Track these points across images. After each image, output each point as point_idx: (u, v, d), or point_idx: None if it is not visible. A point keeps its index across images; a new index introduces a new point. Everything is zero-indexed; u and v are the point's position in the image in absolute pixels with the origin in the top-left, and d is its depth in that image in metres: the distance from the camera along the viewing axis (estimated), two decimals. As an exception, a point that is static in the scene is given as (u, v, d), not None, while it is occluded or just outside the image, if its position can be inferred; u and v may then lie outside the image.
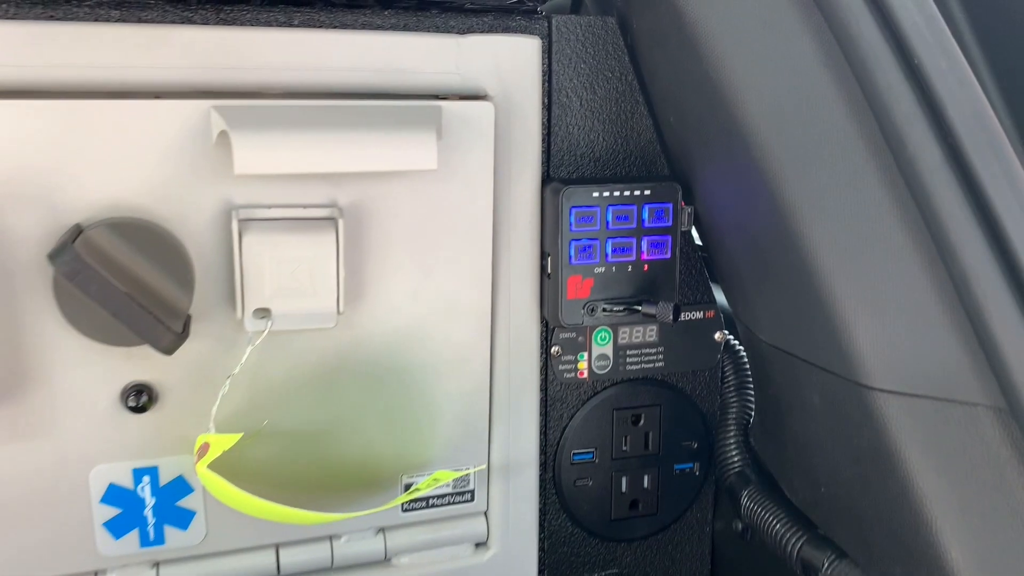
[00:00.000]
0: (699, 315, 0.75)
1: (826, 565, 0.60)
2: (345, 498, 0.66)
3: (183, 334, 0.56)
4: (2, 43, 0.54)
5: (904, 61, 0.48)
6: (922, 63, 0.47)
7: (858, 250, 0.50)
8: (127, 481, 0.61)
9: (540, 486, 0.74)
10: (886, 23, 0.48)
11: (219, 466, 0.59)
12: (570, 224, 0.65)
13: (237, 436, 0.58)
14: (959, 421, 0.48)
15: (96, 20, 0.56)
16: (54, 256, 0.52)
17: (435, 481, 0.66)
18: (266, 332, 0.59)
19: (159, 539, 0.63)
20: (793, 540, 0.64)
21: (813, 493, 0.62)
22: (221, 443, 0.57)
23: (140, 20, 0.57)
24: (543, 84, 0.66)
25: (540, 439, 0.73)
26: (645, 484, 0.77)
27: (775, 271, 0.57)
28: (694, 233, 0.74)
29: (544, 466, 0.74)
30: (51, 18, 0.55)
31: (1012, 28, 0.60)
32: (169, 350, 0.55)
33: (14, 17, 0.55)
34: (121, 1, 0.57)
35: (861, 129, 0.50)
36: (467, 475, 0.70)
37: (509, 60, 0.64)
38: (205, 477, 0.56)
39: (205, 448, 0.57)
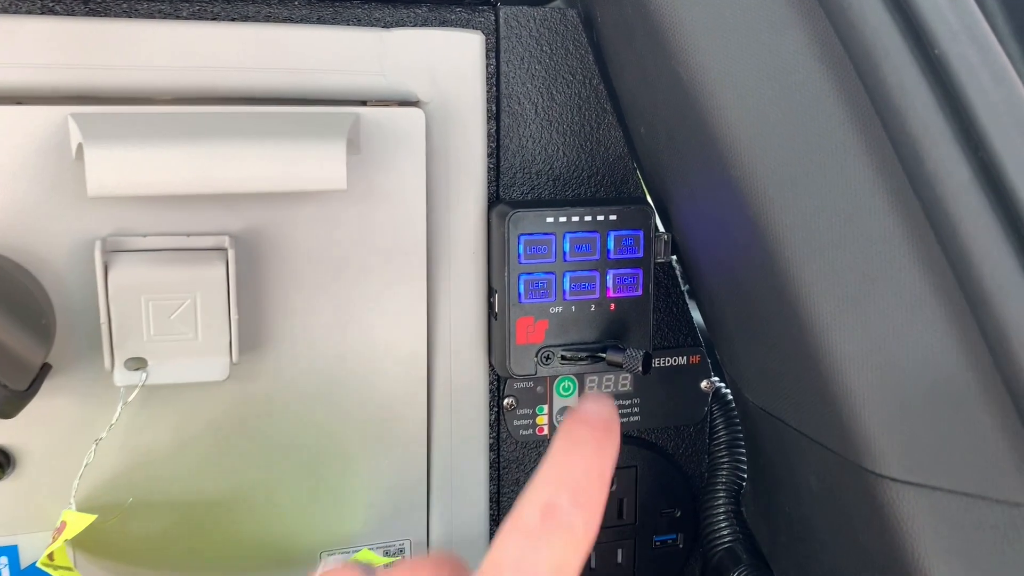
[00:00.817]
0: (682, 360, 0.64)
1: None
2: (253, 579, 0.56)
3: (28, 391, 0.46)
4: None
5: (921, 52, 0.36)
6: (944, 54, 0.36)
7: (862, 297, 0.39)
8: (-21, 564, 0.51)
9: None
10: (897, 4, 0.37)
11: (96, 546, 0.48)
12: (519, 255, 0.54)
13: (92, 517, 0.47)
14: (995, 525, 0.36)
15: (-68, 9, 0.46)
16: None
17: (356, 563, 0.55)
18: (139, 388, 0.48)
19: (24, 631, 0.53)
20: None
21: (807, 564, 0.51)
22: (78, 522, 0.47)
23: (-12, 10, 0.47)
24: (489, 88, 0.56)
25: (491, 508, 0.61)
26: (619, 559, 0.65)
27: (760, 319, 0.46)
28: (675, 263, 0.63)
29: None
30: None
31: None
32: (6, 413, 0.45)
33: None
34: (-36, -13, 0.47)
35: (865, 140, 0.39)
36: (396, 559, 0.59)
37: (445, 59, 0.53)
38: (47, 567, 0.45)
39: (62, 528, 0.47)
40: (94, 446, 0.49)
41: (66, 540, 0.46)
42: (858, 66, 0.39)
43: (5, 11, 0.48)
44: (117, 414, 0.49)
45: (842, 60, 0.40)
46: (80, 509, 0.49)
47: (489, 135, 0.56)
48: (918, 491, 0.38)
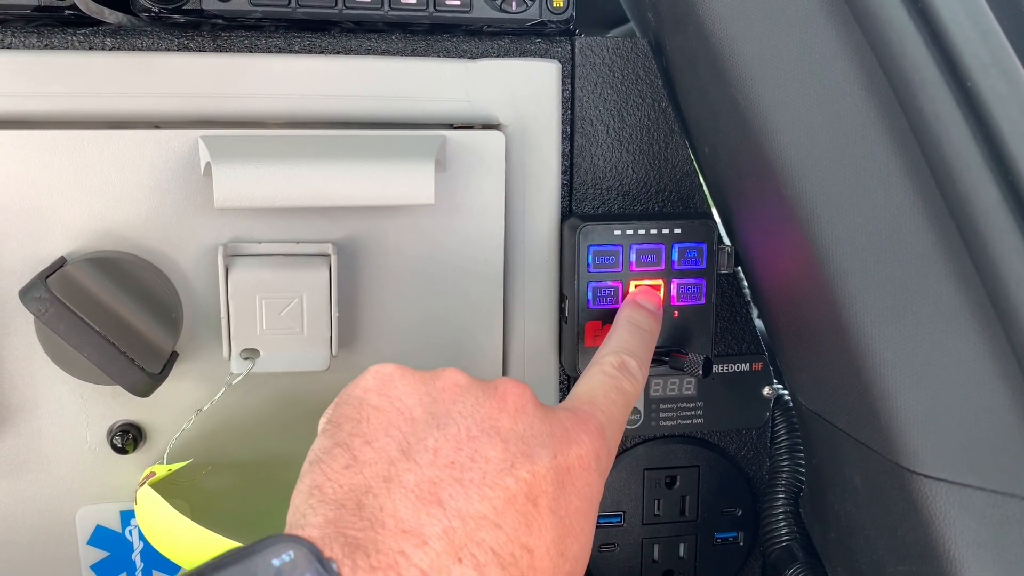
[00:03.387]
0: (745, 367, 0.68)
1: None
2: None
3: (161, 375, 0.54)
4: (-6, 73, 0.53)
5: (956, 84, 0.40)
6: (976, 86, 0.39)
7: (902, 308, 0.42)
8: (114, 523, 0.59)
9: (561, 549, 0.67)
10: (935, 40, 0.41)
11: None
12: (588, 264, 0.59)
13: (183, 464, 0.54)
14: (1021, 520, 0.39)
15: (90, 48, 0.54)
16: (24, 293, 0.50)
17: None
18: (245, 372, 0.55)
19: (146, 585, 0.61)
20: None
21: (855, 560, 0.53)
22: (165, 470, 0.54)
23: (134, 48, 0.55)
24: (564, 111, 0.61)
25: (560, 498, 0.66)
26: (681, 553, 0.69)
27: (810, 327, 0.49)
28: (739, 274, 0.67)
29: (565, 527, 0.67)
30: (47, 46, 0.54)
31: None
32: (143, 392, 0.52)
33: (9, 46, 0.54)
34: (115, 29, 0.55)
35: (906, 164, 0.43)
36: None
37: (525, 86, 0.59)
38: (140, 497, 0.52)
39: (150, 476, 0.54)
40: (193, 416, 0.56)
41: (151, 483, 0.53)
42: (899, 96, 0.42)
43: (148, 49, 0.55)
44: (219, 393, 0.56)
45: (885, 89, 0.43)
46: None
47: (563, 154, 0.61)
48: (950, 488, 0.41)
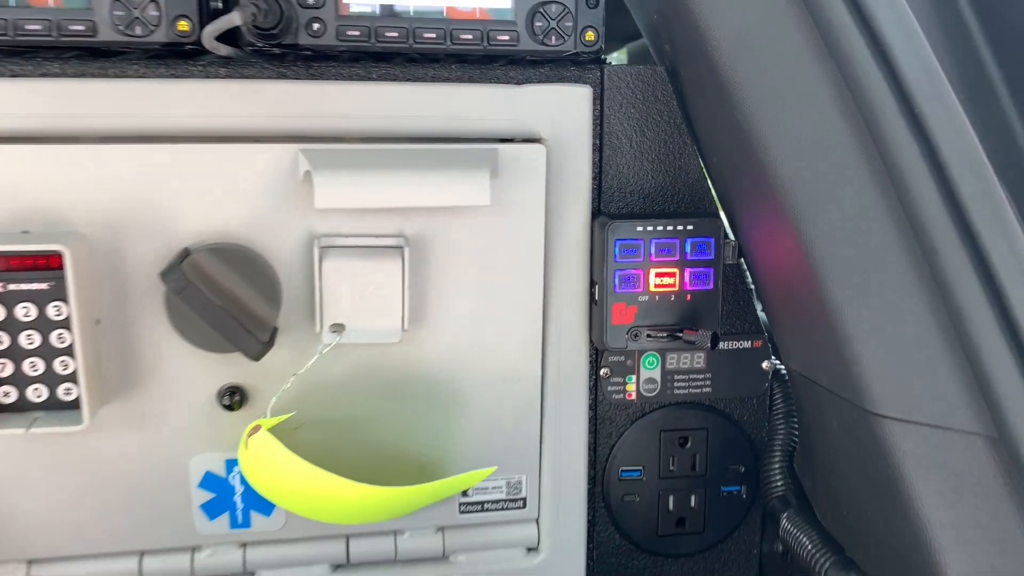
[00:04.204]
0: (747, 344, 0.79)
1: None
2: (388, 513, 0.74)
3: (269, 344, 0.66)
4: (132, 98, 0.65)
5: (907, 109, 0.51)
6: (923, 112, 0.50)
7: (866, 284, 0.54)
8: (221, 470, 0.71)
9: (589, 499, 0.79)
10: (894, 78, 0.52)
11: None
12: (615, 255, 0.71)
13: (281, 417, 0.66)
14: (958, 449, 0.51)
15: (208, 77, 0.67)
16: (165, 275, 0.63)
17: (480, 476, 0.71)
18: (333, 343, 0.67)
19: (246, 523, 0.73)
20: (821, 560, 0.67)
21: (837, 516, 0.65)
22: (270, 423, 0.66)
23: (242, 76, 0.67)
24: (595, 127, 0.73)
25: (589, 455, 0.78)
26: (692, 503, 0.81)
27: (798, 302, 0.61)
28: (744, 265, 0.78)
29: (593, 480, 0.79)
30: (172, 76, 0.66)
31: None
32: (256, 357, 0.65)
33: (141, 75, 0.66)
34: (231, 60, 0.67)
35: (872, 175, 0.54)
36: (520, 482, 0.76)
37: (562, 107, 0.71)
38: (254, 442, 0.64)
39: (256, 429, 0.66)
40: (292, 379, 0.68)
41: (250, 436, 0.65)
42: (867, 119, 0.54)
43: (253, 77, 0.67)
44: (313, 359, 0.68)
45: (856, 114, 0.55)
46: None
47: (593, 163, 0.73)
48: (904, 425, 0.52)
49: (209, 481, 0.71)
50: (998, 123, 0.59)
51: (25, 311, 0.63)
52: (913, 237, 0.52)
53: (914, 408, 0.52)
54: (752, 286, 0.79)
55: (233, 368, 0.69)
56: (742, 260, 0.77)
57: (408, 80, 0.70)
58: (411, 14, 0.67)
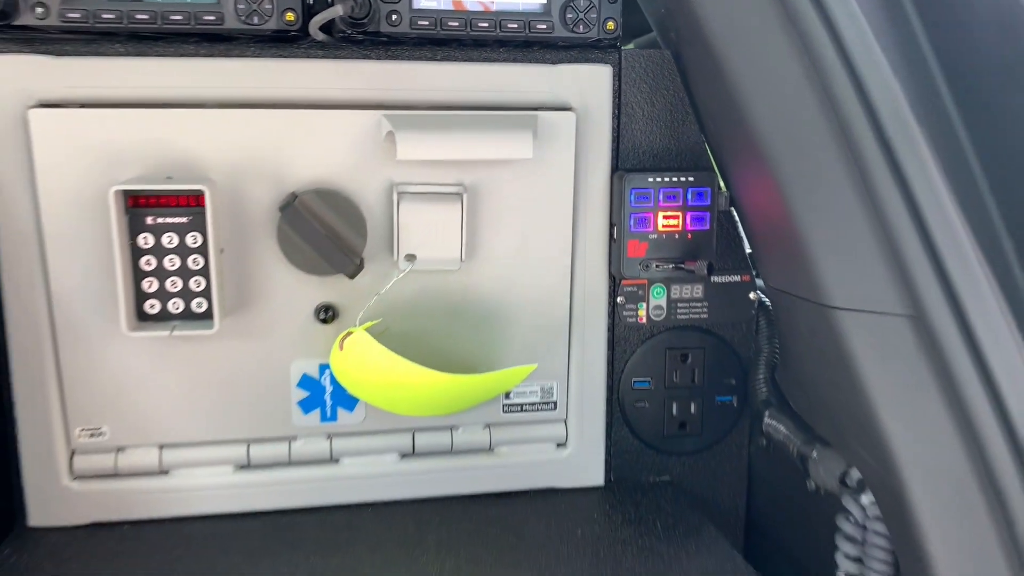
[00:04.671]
0: (736, 278, 0.97)
1: (814, 454, 0.81)
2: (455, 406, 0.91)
3: (360, 267, 0.83)
4: (251, 74, 0.82)
5: (855, 80, 0.69)
6: (863, 79, 0.68)
7: (822, 207, 0.71)
8: (315, 372, 0.89)
9: (607, 405, 0.96)
10: (846, 61, 0.69)
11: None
12: (630, 201, 0.89)
13: (370, 323, 0.84)
14: (889, 329, 0.68)
15: (309, 57, 0.84)
16: (283, 208, 0.80)
17: (519, 374, 0.89)
18: (407, 270, 0.85)
19: (333, 417, 0.90)
20: (794, 439, 0.84)
21: (805, 400, 0.82)
22: (360, 329, 0.83)
23: (337, 57, 0.85)
24: (614, 99, 0.90)
25: (607, 368, 0.96)
26: (692, 410, 0.98)
27: (774, 229, 0.78)
28: (735, 214, 0.96)
29: (610, 389, 0.97)
30: (281, 56, 0.84)
31: (964, 36, 0.78)
32: (352, 276, 0.82)
33: (257, 55, 0.83)
34: (325, 44, 0.85)
35: (828, 127, 0.71)
36: (552, 388, 0.94)
37: (588, 82, 0.88)
38: (354, 341, 0.81)
39: (348, 335, 0.83)
40: (375, 297, 0.86)
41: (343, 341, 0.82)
42: (824, 87, 0.71)
43: (344, 58, 0.85)
44: (392, 282, 0.85)
45: (817, 83, 0.72)
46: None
47: (612, 128, 0.90)
48: (851, 313, 0.70)
49: (305, 382, 0.89)
50: (932, 94, 0.76)
51: (169, 239, 0.81)
52: (856, 170, 0.69)
53: (856, 298, 0.69)
54: (741, 232, 0.96)
55: (327, 289, 0.86)
56: (732, 209, 0.95)
57: (464, 60, 0.87)
58: (468, 9, 0.85)
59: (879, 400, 0.69)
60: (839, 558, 0.77)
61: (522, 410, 0.94)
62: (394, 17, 0.84)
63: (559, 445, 0.96)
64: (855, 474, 0.76)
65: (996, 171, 0.70)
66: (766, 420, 0.91)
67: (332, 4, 0.81)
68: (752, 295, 0.97)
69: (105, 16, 0.79)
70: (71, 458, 0.86)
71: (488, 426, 0.94)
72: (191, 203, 0.81)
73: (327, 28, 0.84)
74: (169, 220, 0.81)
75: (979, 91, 0.72)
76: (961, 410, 0.66)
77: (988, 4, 0.75)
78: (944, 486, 0.67)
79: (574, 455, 0.96)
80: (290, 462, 0.90)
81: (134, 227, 0.80)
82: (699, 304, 0.96)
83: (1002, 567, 0.65)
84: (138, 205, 0.80)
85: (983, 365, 0.64)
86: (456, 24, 0.84)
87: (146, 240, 0.81)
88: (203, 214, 0.80)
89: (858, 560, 0.75)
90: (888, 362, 0.69)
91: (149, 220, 0.80)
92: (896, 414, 0.69)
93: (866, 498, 0.74)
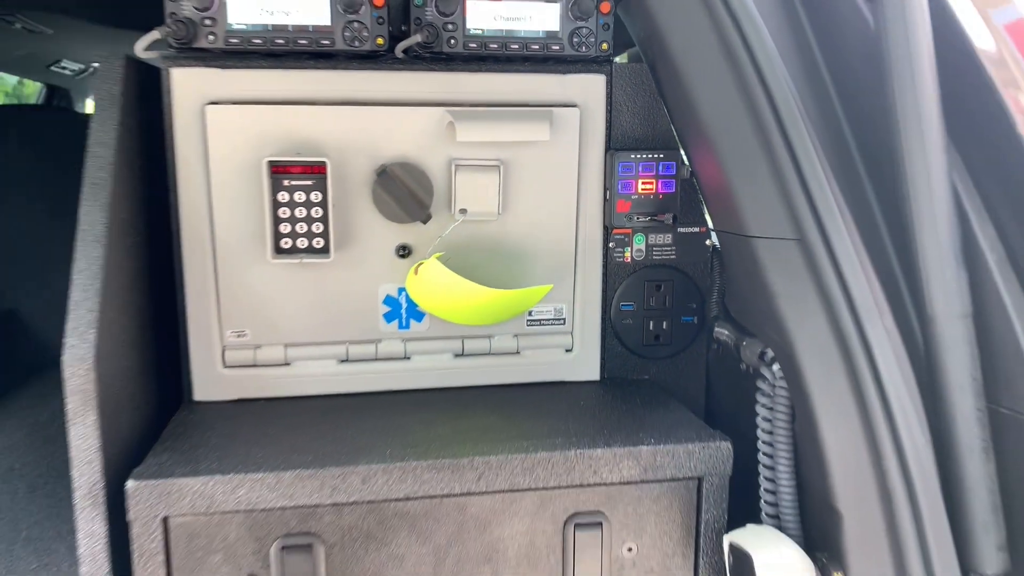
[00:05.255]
0: (696, 230, 1.33)
1: (744, 343, 1.17)
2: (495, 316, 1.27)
3: (428, 217, 1.20)
4: (352, 81, 1.18)
5: (761, 82, 1.04)
6: (767, 80, 1.03)
7: (745, 170, 1.07)
8: (395, 294, 1.25)
9: (602, 322, 1.33)
10: (760, 76, 1.05)
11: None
12: (619, 172, 1.25)
13: (438, 255, 1.20)
14: (787, 251, 1.04)
15: (392, 70, 1.20)
16: (380, 173, 1.17)
17: (539, 292, 1.25)
18: (461, 220, 1.21)
19: (407, 326, 1.26)
20: (732, 336, 1.20)
21: (739, 308, 1.19)
22: (432, 259, 1.19)
23: (411, 69, 1.21)
24: (607, 99, 1.26)
25: (602, 295, 1.32)
26: (664, 326, 1.34)
27: (715, 183, 1.14)
28: (694, 181, 1.31)
29: (604, 311, 1.33)
30: (372, 69, 1.20)
31: (845, 41, 1.14)
32: (424, 222, 1.19)
33: (357, 69, 1.19)
34: (399, 59, 1.20)
35: (748, 120, 1.07)
36: (562, 309, 1.30)
37: (588, 87, 1.24)
38: (428, 266, 1.17)
39: (420, 264, 1.19)
40: (438, 240, 1.22)
41: (416, 270, 1.18)
42: (744, 89, 1.07)
43: (417, 70, 1.21)
44: (450, 229, 1.21)
45: (742, 89, 1.08)
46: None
47: (606, 119, 1.26)
48: (763, 240, 1.06)
49: (388, 300, 1.25)
50: (824, 96, 1.12)
51: (299, 196, 1.17)
52: (763, 145, 1.05)
53: (764, 229, 1.05)
54: (699, 193, 1.32)
55: (404, 233, 1.22)
56: (692, 177, 1.30)
57: (500, 72, 1.23)
58: (504, 34, 1.20)
59: (780, 299, 1.05)
60: (758, 408, 1.13)
61: (540, 324, 1.30)
62: (452, 41, 1.20)
63: (567, 350, 1.33)
64: (769, 353, 1.12)
65: (865, 142, 1.06)
66: (716, 329, 1.27)
67: (409, 34, 1.17)
68: (708, 242, 1.33)
69: (254, 41, 1.15)
70: (223, 353, 1.23)
71: (516, 336, 1.30)
72: (315, 171, 1.17)
73: (405, 49, 1.20)
74: (299, 182, 1.17)
75: (853, 86, 1.08)
76: (828, 303, 1.02)
77: (862, 34, 1.11)
78: (819, 354, 1.03)
79: (578, 357, 1.32)
80: (376, 358, 1.26)
81: (275, 187, 1.16)
82: (669, 248, 1.33)
83: (852, 404, 1.01)
84: (278, 172, 1.16)
85: (839, 272, 1.00)
86: (495, 45, 1.20)
87: (283, 196, 1.17)
88: (324, 179, 1.16)
89: (770, 409, 1.11)
90: (784, 271, 1.05)
91: (285, 183, 1.17)
92: (791, 307, 1.05)
93: (775, 367, 1.10)
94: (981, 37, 0.99)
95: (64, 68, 3.40)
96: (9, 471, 1.65)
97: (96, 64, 3.41)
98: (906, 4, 0.97)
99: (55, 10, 2.47)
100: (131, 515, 0.96)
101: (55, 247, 2.15)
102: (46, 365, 2.20)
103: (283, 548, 0.99)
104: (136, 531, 0.96)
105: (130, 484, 0.95)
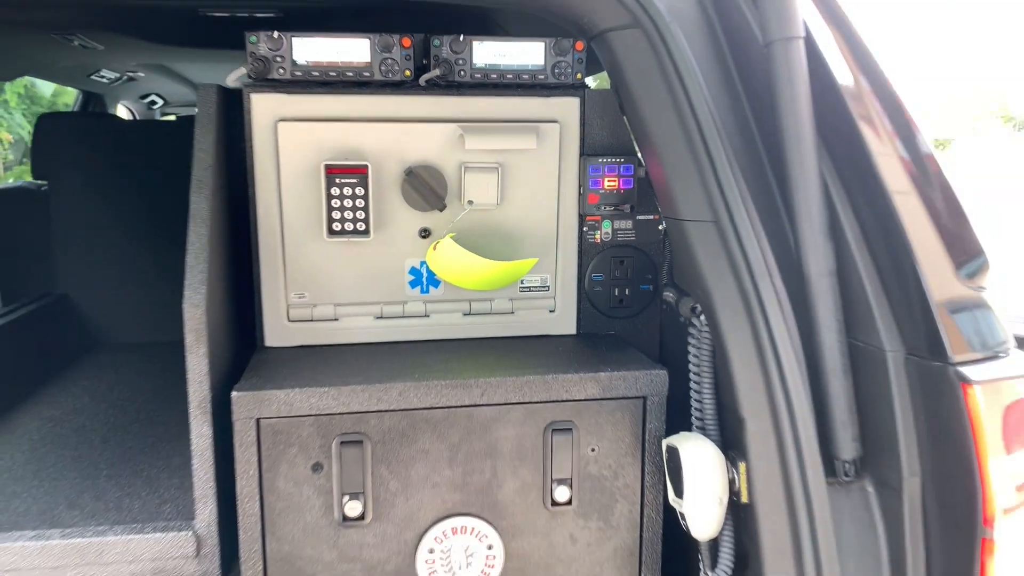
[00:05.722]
0: (651, 217, 1.71)
1: (681, 300, 1.54)
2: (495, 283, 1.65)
3: (444, 207, 1.58)
4: (386, 104, 1.56)
5: (691, 112, 1.42)
6: (696, 109, 1.41)
7: (679, 171, 1.44)
8: (418, 265, 1.63)
9: (578, 289, 1.71)
10: (686, 94, 1.43)
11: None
12: (589, 172, 1.63)
13: (451, 235, 1.58)
14: (707, 231, 1.41)
15: (416, 94, 1.58)
16: (408, 172, 1.55)
17: (528, 264, 1.63)
18: (469, 209, 1.59)
19: (427, 291, 1.65)
20: (674, 295, 1.58)
21: (680, 275, 1.56)
22: (448, 237, 1.57)
23: (431, 94, 1.59)
24: (581, 117, 1.64)
25: (578, 268, 1.70)
26: (627, 292, 1.73)
27: (660, 179, 1.52)
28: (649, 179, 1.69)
29: (579, 280, 1.71)
30: (401, 94, 1.58)
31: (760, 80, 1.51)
32: (441, 211, 1.57)
33: (389, 94, 1.57)
34: (422, 87, 1.58)
35: (681, 127, 1.45)
36: (546, 278, 1.68)
37: (567, 107, 1.62)
38: (444, 244, 1.55)
39: (438, 243, 1.58)
40: (451, 224, 1.60)
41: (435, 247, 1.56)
42: (679, 115, 1.45)
43: (434, 95, 1.59)
44: (460, 216, 1.60)
45: (678, 109, 1.46)
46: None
47: (580, 133, 1.64)
48: (691, 223, 1.43)
49: (412, 271, 1.63)
50: (740, 115, 1.49)
51: (347, 191, 1.55)
52: (691, 154, 1.42)
53: (694, 213, 1.42)
54: (651, 188, 1.70)
55: (425, 219, 1.61)
56: (647, 176, 1.68)
57: (498, 95, 1.61)
58: (501, 67, 1.58)
59: (703, 267, 1.43)
60: (689, 348, 1.50)
61: (529, 290, 1.69)
62: (462, 73, 1.58)
63: (550, 311, 1.71)
64: (698, 307, 1.50)
65: (770, 148, 1.44)
66: (664, 293, 1.65)
67: (430, 67, 1.55)
68: (660, 227, 1.71)
69: (313, 73, 1.53)
70: (288, 310, 1.61)
71: (511, 299, 1.68)
72: (359, 172, 1.55)
73: (427, 80, 1.59)
74: (347, 181, 1.55)
75: (762, 108, 1.46)
76: (734, 269, 1.39)
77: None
78: (730, 306, 1.41)
79: (558, 316, 1.70)
80: (403, 315, 1.64)
81: (329, 184, 1.54)
82: (630, 231, 1.71)
83: (751, 342, 1.38)
84: (331, 172, 1.54)
85: (742, 245, 1.37)
86: (495, 76, 1.59)
87: (335, 191, 1.55)
88: (365, 178, 1.54)
89: (697, 348, 1.48)
90: (705, 246, 1.43)
91: (337, 181, 1.55)
92: (710, 273, 1.42)
93: (702, 318, 1.48)
94: (843, 76, 1.36)
95: (103, 77, 3.77)
96: (82, 427, 1.94)
97: (132, 73, 3.80)
98: (789, 52, 1.34)
99: (113, 31, 2.85)
100: (235, 416, 1.34)
101: (101, 238, 2.53)
102: (94, 345, 2.55)
103: (341, 443, 1.37)
104: (238, 428, 1.34)
105: (235, 394, 1.34)
